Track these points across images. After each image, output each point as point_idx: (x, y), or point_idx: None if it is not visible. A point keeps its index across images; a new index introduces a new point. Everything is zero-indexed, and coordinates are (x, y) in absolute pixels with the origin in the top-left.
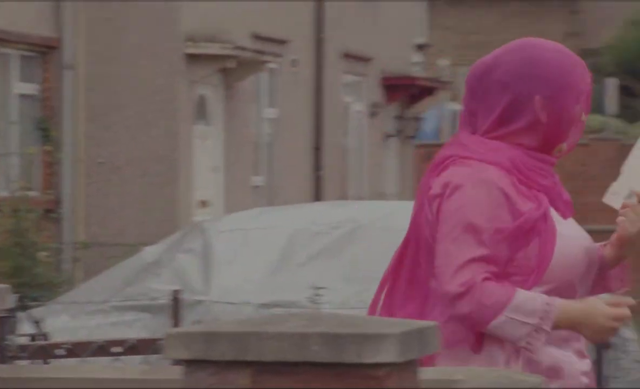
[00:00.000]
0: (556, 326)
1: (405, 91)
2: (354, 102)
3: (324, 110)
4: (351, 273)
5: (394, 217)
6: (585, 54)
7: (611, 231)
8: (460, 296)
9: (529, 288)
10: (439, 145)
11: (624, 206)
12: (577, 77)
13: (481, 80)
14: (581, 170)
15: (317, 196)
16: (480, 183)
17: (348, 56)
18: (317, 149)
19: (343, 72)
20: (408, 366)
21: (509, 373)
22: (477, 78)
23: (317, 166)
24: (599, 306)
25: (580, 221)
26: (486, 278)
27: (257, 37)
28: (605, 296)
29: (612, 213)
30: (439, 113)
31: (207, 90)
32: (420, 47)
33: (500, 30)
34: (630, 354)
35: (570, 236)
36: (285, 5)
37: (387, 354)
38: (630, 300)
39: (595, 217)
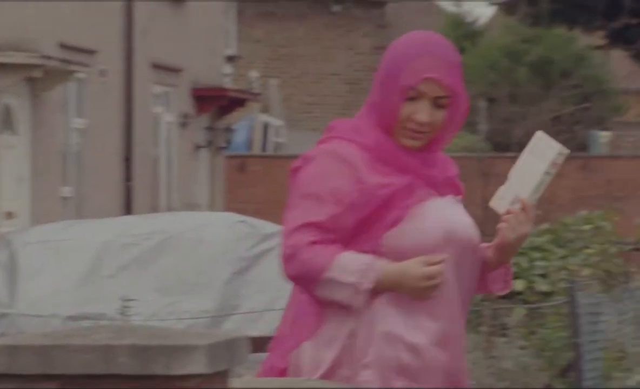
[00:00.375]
0: (379, 287)
1: (215, 102)
2: (164, 112)
3: (134, 121)
4: (162, 284)
5: (205, 228)
6: None
7: None
8: (288, 258)
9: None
10: (250, 156)
11: (507, 213)
12: (404, 71)
13: None
14: None
15: (128, 207)
16: (329, 154)
17: (158, 67)
18: (127, 160)
19: (153, 83)
20: (217, 377)
21: (325, 382)
22: None
23: (127, 176)
24: (412, 267)
25: None
26: (314, 242)
27: (65, 47)
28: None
29: None
30: (250, 125)
31: (12, 100)
32: (231, 59)
33: (309, 43)
34: None
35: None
36: (94, 15)
37: (196, 366)
38: (445, 256)
39: None
